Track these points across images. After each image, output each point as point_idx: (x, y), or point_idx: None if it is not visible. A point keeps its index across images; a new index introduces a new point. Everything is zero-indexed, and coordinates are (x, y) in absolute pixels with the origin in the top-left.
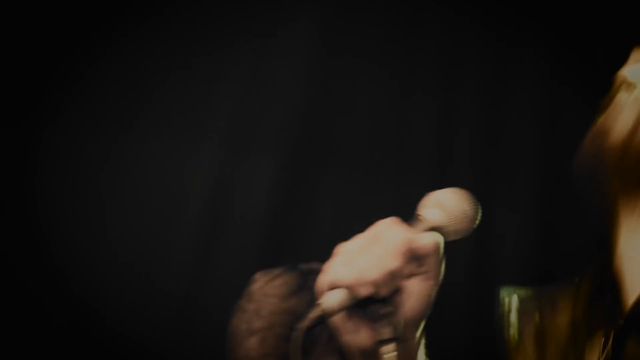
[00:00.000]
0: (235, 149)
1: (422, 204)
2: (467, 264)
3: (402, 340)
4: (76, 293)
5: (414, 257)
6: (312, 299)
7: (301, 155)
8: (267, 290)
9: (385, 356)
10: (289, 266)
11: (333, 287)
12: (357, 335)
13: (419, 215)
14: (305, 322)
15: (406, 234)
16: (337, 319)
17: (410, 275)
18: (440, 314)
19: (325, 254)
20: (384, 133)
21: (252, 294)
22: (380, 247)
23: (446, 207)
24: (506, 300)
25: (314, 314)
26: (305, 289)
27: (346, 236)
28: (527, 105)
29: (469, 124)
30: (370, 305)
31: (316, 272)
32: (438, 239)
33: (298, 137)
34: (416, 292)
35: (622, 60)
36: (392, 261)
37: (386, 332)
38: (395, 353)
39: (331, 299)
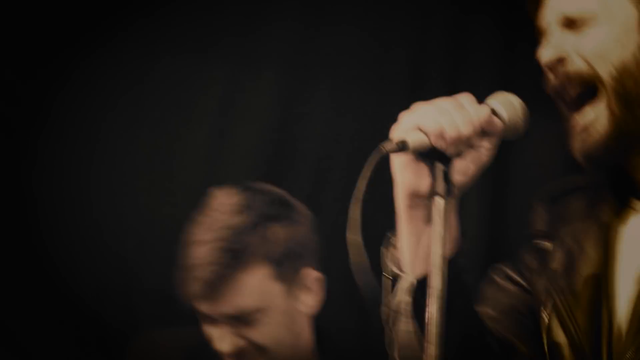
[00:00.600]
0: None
1: (492, 96)
2: None
3: (450, 200)
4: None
5: (483, 132)
6: (256, 219)
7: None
8: (219, 206)
9: (436, 204)
10: (243, 185)
11: (416, 128)
12: (418, 179)
13: (488, 105)
14: (388, 146)
15: (484, 111)
16: (406, 160)
17: (474, 147)
18: None
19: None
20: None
21: (206, 208)
22: (462, 114)
23: (509, 102)
24: None
25: (396, 141)
26: (253, 208)
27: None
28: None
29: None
30: (435, 160)
31: (265, 193)
32: (505, 124)
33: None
34: (472, 162)
35: None
36: (468, 128)
37: (441, 186)
38: (443, 205)
39: (414, 136)
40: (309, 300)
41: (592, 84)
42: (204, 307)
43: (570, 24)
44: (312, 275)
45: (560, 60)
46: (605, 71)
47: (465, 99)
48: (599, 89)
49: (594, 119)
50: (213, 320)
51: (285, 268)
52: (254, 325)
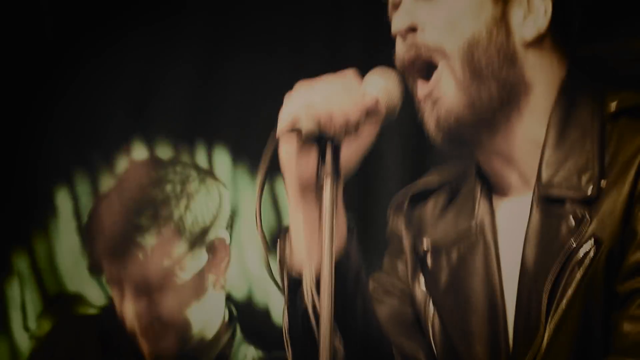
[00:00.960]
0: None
1: (373, 75)
2: None
3: (339, 187)
4: None
5: (367, 114)
6: (166, 194)
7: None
8: (132, 176)
9: (325, 191)
10: (156, 157)
11: (306, 113)
12: (306, 166)
13: (371, 85)
14: (279, 132)
15: (369, 93)
16: (294, 146)
17: (359, 128)
18: None
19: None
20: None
21: (120, 178)
22: (350, 96)
23: (391, 84)
24: None
25: (287, 127)
26: (165, 182)
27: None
28: None
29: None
30: (323, 145)
31: (177, 164)
32: (386, 103)
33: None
34: (359, 142)
35: None
36: (354, 112)
37: (329, 172)
38: (332, 191)
39: (304, 122)
40: (219, 269)
41: (440, 54)
42: (111, 269)
43: None
44: (221, 244)
45: (411, 29)
46: (455, 42)
47: (351, 78)
48: (446, 60)
49: (443, 89)
50: (119, 284)
51: (196, 238)
52: (161, 294)
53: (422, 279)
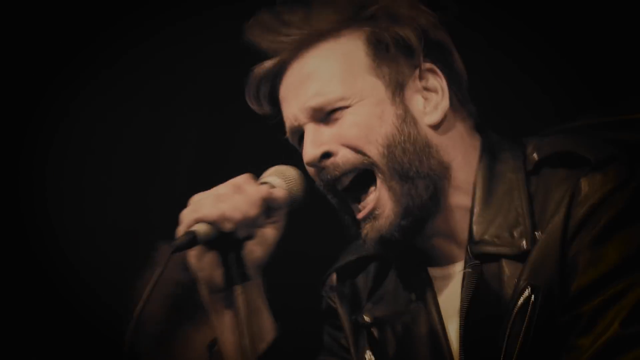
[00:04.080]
0: None
1: (265, 174)
2: None
3: (250, 283)
4: None
5: (268, 209)
6: None
7: None
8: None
9: (236, 294)
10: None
11: (199, 221)
12: (213, 271)
13: (264, 181)
14: (176, 243)
15: (263, 188)
16: (198, 253)
17: (262, 225)
18: None
19: None
20: None
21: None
22: (242, 196)
23: (284, 174)
24: None
25: (184, 237)
26: None
27: None
28: None
29: None
30: (225, 248)
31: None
32: (287, 195)
33: None
34: (264, 240)
35: None
36: (251, 208)
37: (236, 272)
38: (243, 293)
39: (200, 228)
40: None
41: (365, 168)
42: None
43: (322, 115)
44: None
45: (326, 155)
46: (375, 151)
47: (242, 180)
48: (374, 171)
49: (377, 202)
50: None
51: None
52: None
53: (368, 352)
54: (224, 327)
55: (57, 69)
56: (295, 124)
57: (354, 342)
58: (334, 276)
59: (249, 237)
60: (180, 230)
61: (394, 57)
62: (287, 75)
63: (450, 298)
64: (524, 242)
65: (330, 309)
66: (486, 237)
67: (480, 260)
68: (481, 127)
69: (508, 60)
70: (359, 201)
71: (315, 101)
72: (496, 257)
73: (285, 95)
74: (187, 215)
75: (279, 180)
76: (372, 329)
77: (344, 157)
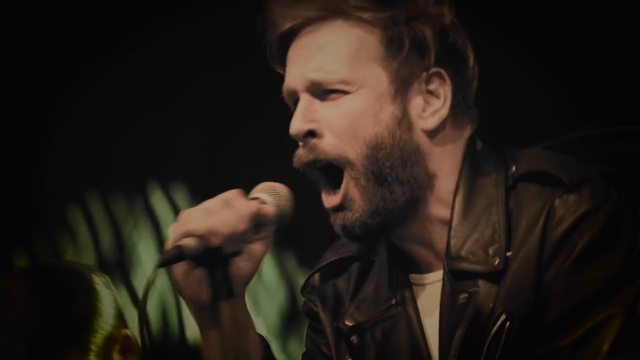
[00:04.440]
0: None
1: (255, 189)
2: None
3: (235, 299)
4: None
5: (257, 225)
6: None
7: None
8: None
9: (221, 310)
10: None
11: (187, 235)
12: (199, 288)
13: (254, 196)
14: (162, 257)
15: (253, 203)
16: (184, 269)
17: (250, 241)
18: None
19: None
20: None
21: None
22: (231, 211)
23: (274, 190)
24: None
25: (170, 252)
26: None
27: None
28: None
29: None
30: (212, 264)
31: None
32: (276, 212)
33: None
34: (252, 256)
35: None
36: (240, 223)
37: (223, 290)
38: (229, 309)
39: (187, 242)
40: None
41: (342, 161)
42: None
43: (319, 91)
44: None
45: (310, 133)
46: (358, 151)
47: (232, 195)
48: (346, 168)
49: (349, 201)
50: None
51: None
52: None
53: (348, 358)
54: (210, 344)
55: (57, 68)
56: (292, 86)
57: (335, 347)
58: (317, 277)
59: (237, 253)
60: (168, 244)
61: (407, 53)
62: (299, 38)
63: (429, 305)
64: (497, 261)
65: (312, 312)
66: (462, 253)
67: (456, 278)
68: (474, 137)
69: (516, 66)
70: (329, 188)
71: (316, 75)
72: (472, 275)
73: (292, 57)
74: (175, 230)
75: (269, 196)
76: (352, 337)
77: (326, 145)
